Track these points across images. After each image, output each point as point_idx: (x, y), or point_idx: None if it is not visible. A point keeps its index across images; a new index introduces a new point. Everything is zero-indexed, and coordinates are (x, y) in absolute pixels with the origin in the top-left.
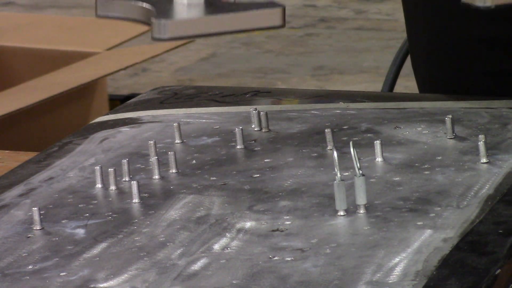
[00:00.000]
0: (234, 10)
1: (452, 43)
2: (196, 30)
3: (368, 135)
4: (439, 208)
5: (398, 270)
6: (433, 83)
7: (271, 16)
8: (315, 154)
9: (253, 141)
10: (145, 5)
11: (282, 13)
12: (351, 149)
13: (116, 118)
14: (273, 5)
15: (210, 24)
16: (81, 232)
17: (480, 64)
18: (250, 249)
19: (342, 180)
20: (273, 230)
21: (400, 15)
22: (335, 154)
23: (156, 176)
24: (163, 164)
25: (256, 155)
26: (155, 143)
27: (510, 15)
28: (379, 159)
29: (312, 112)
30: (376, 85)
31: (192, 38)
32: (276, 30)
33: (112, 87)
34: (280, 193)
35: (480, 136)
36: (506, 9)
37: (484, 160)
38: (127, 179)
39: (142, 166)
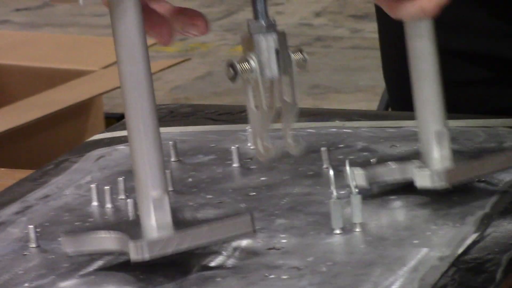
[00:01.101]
0: (203, 224)
1: None
2: (172, 247)
3: (364, 153)
4: (435, 227)
5: None
6: (403, 95)
7: (240, 225)
8: (311, 173)
9: (249, 160)
10: (115, 234)
11: (251, 221)
12: (347, 168)
13: (112, 136)
14: (241, 214)
15: (184, 240)
16: None
17: (446, 74)
18: (245, 267)
19: (338, 198)
20: (269, 248)
21: None
22: (331, 172)
23: None
24: None
25: (252, 173)
26: None
27: (476, 28)
28: None
29: (308, 130)
30: (372, 104)
31: (169, 253)
32: None
33: (108, 105)
34: (276, 211)
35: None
36: (470, 22)
37: (481, 179)
38: (123, 197)
39: None
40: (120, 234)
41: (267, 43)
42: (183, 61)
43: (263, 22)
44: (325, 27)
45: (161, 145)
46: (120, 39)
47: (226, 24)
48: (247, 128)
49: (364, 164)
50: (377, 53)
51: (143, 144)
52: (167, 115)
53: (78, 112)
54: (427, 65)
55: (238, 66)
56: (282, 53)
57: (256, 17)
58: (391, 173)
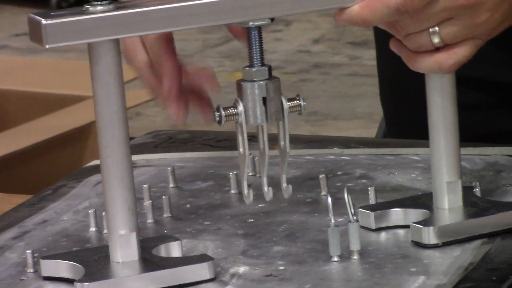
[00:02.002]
0: (165, 266)
1: (417, 76)
2: None
3: (363, 181)
4: (432, 255)
5: None
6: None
7: (199, 272)
8: (309, 200)
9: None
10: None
11: (211, 266)
12: (345, 195)
13: None
14: (203, 259)
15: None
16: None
17: None
18: None
19: (336, 225)
20: (266, 275)
21: None
22: (329, 200)
23: (150, 220)
24: (157, 208)
25: None
26: (149, 187)
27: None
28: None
29: (306, 157)
30: (370, 131)
31: None
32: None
33: None
34: (274, 238)
35: (474, 182)
36: None
37: None
38: None
39: (136, 209)
40: (79, 264)
41: (254, 91)
42: None
43: (253, 70)
44: (323, 54)
45: (132, 184)
46: (96, 80)
47: (224, 51)
48: None
49: (363, 191)
50: (375, 80)
51: (114, 185)
52: (166, 141)
53: (77, 138)
54: (444, 117)
55: (223, 111)
56: (274, 100)
57: (251, 64)
58: (397, 218)
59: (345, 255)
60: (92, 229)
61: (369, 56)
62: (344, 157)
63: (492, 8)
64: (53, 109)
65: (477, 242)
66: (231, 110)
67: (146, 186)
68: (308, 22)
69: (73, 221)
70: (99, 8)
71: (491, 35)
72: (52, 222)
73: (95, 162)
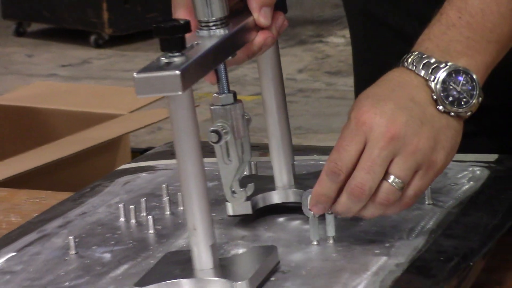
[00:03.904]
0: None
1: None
2: None
3: None
4: (392, 240)
5: None
6: None
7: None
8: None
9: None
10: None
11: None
12: None
13: (136, 166)
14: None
15: None
16: (107, 256)
17: None
18: None
19: (315, 217)
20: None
21: None
22: (309, 196)
23: (168, 212)
24: (173, 202)
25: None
26: (167, 186)
27: None
28: None
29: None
30: None
31: None
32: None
33: (133, 141)
34: (267, 227)
35: None
36: None
37: (429, 201)
38: (144, 214)
39: (156, 204)
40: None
41: (236, 112)
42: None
43: (232, 95)
44: (306, 81)
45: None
46: (176, 127)
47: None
48: None
49: None
50: (347, 102)
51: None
52: None
53: (110, 147)
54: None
55: (222, 131)
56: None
57: (221, 91)
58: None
59: (322, 240)
60: (122, 219)
61: (342, 83)
62: (322, 162)
63: (416, 133)
64: (91, 124)
65: (428, 229)
66: (223, 131)
67: (164, 185)
68: (294, 56)
69: (106, 213)
70: (176, 60)
71: (432, 159)
72: (89, 214)
73: (124, 166)
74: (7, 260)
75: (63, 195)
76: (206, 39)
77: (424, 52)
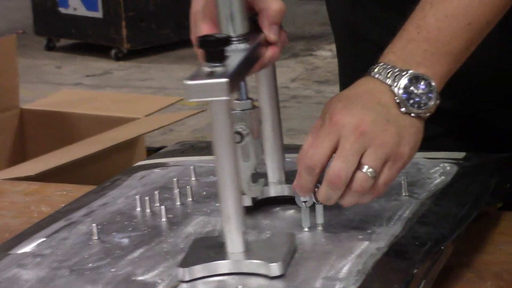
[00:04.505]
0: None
1: None
2: None
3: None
4: (374, 227)
5: (345, 269)
6: None
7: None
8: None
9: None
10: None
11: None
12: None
13: (151, 162)
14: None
15: None
16: (126, 241)
17: None
18: None
19: (306, 207)
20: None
21: None
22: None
23: (178, 203)
24: (183, 194)
25: None
26: (177, 180)
27: None
28: None
29: (286, 159)
30: None
31: None
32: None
33: (148, 141)
34: (264, 215)
35: (402, 177)
36: None
37: (405, 193)
38: (157, 205)
39: (168, 196)
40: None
41: (254, 116)
42: (201, 111)
43: (250, 102)
44: (298, 89)
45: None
46: (216, 137)
47: None
48: None
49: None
50: None
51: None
52: (189, 148)
53: (128, 146)
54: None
55: (244, 132)
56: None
57: (241, 98)
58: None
59: (313, 227)
60: (138, 209)
61: (330, 91)
62: None
63: (383, 130)
64: (112, 126)
65: (405, 218)
66: (244, 132)
67: (175, 179)
68: (287, 67)
69: (125, 203)
70: (218, 69)
71: (399, 152)
72: (110, 204)
73: (140, 163)
74: (38, 244)
75: (87, 188)
76: (230, 52)
77: (388, 63)
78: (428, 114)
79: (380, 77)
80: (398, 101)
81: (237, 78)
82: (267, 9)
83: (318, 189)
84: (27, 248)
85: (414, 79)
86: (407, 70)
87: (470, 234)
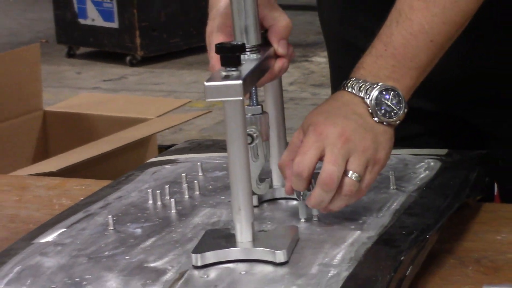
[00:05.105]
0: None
1: None
2: None
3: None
4: (365, 217)
5: (338, 257)
6: None
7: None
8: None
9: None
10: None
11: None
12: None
13: (162, 159)
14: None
15: None
16: (139, 231)
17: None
18: None
19: (303, 199)
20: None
21: None
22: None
23: (186, 196)
24: (190, 188)
25: None
26: (186, 175)
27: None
28: None
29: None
30: None
31: None
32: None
33: (160, 140)
34: (265, 207)
35: (390, 172)
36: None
37: (393, 187)
38: (168, 198)
39: (177, 189)
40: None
41: (263, 120)
42: (207, 112)
43: (260, 107)
44: (295, 91)
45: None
46: (230, 135)
47: None
48: None
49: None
50: None
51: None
52: (197, 146)
53: (141, 144)
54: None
55: (254, 135)
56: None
57: (252, 104)
58: None
59: (309, 218)
60: (150, 202)
61: (324, 93)
62: None
63: (362, 137)
64: (126, 126)
65: (393, 209)
66: (254, 135)
67: (184, 174)
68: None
69: (138, 197)
70: (234, 73)
71: (377, 157)
72: (125, 197)
73: (152, 159)
74: (59, 234)
75: (104, 183)
76: (244, 61)
77: (360, 78)
78: (398, 122)
79: (353, 90)
80: (370, 111)
81: (250, 82)
82: (276, 26)
83: (309, 195)
84: (49, 237)
85: (384, 91)
86: (377, 83)
87: (452, 224)
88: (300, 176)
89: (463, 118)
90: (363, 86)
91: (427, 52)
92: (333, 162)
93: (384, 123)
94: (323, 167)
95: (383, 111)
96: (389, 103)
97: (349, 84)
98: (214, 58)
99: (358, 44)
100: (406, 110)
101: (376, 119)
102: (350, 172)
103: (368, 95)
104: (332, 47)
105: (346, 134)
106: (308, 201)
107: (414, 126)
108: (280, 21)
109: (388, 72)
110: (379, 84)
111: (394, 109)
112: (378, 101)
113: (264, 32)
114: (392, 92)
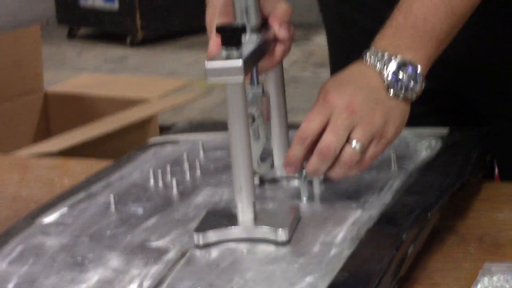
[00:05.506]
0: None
1: None
2: None
3: None
4: (366, 196)
5: (340, 235)
6: None
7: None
8: None
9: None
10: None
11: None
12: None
13: (163, 139)
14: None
15: None
16: (140, 210)
17: None
18: None
19: (305, 179)
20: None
21: None
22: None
23: (188, 176)
24: (192, 168)
25: None
26: (187, 155)
27: None
28: None
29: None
30: None
31: None
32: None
33: (161, 120)
34: (267, 186)
35: (391, 150)
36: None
37: (394, 166)
38: (169, 177)
39: (179, 169)
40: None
41: (265, 100)
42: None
43: (261, 87)
44: (297, 71)
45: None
46: (231, 114)
47: None
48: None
49: None
50: None
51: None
52: (198, 126)
53: (142, 124)
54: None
55: (256, 115)
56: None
57: (253, 83)
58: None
59: (310, 197)
60: (151, 181)
61: (326, 72)
62: None
63: (371, 110)
64: (128, 106)
65: (394, 188)
66: (255, 114)
67: (185, 154)
68: None
69: (139, 176)
70: (235, 53)
71: (384, 131)
72: (126, 177)
73: (154, 139)
74: (61, 214)
75: (105, 163)
76: (244, 42)
77: (379, 49)
78: (414, 97)
79: (371, 61)
80: (386, 84)
81: (250, 62)
82: (275, 10)
83: (307, 161)
84: (51, 217)
85: (402, 65)
86: (396, 55)
87: (454, 202)
88: (301, 141)
89: (465, 97)
90: (381, 58)
91: (447, 22)
92: (334, 132)
93: (400, 98)
94: (323, 136)
95: (399, 85)
96: (405, 78)
97: (367, 55)
98: (213, 44)
99: (358, 22)
100: (424, 85)
101: (391, 93)
102: (354, 142)
103: (385, 68)
104: (331, 26)
105: (353, 105)
106: (306, 166)
107: (415, 105)
108: (279, 5)
109: (408, 42)
110: (398, 56)
111: (411, 84)
112: (395, 75)
113: (263, 21)
114: (410, 66)
